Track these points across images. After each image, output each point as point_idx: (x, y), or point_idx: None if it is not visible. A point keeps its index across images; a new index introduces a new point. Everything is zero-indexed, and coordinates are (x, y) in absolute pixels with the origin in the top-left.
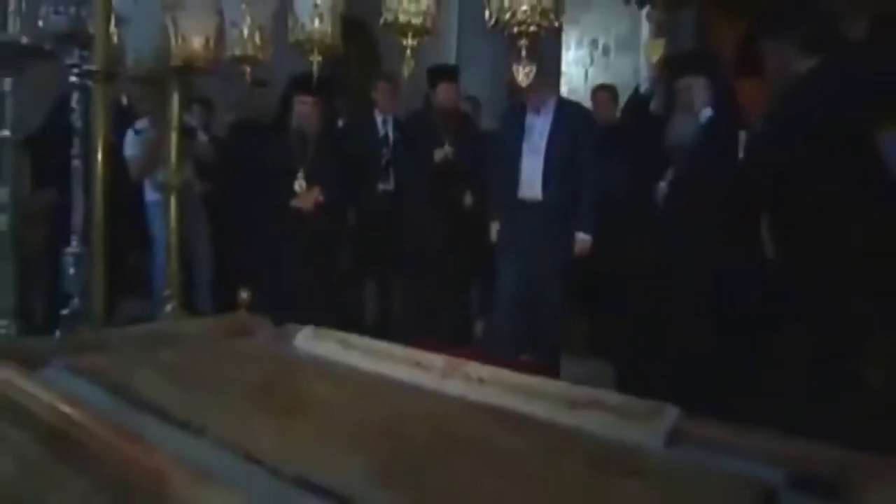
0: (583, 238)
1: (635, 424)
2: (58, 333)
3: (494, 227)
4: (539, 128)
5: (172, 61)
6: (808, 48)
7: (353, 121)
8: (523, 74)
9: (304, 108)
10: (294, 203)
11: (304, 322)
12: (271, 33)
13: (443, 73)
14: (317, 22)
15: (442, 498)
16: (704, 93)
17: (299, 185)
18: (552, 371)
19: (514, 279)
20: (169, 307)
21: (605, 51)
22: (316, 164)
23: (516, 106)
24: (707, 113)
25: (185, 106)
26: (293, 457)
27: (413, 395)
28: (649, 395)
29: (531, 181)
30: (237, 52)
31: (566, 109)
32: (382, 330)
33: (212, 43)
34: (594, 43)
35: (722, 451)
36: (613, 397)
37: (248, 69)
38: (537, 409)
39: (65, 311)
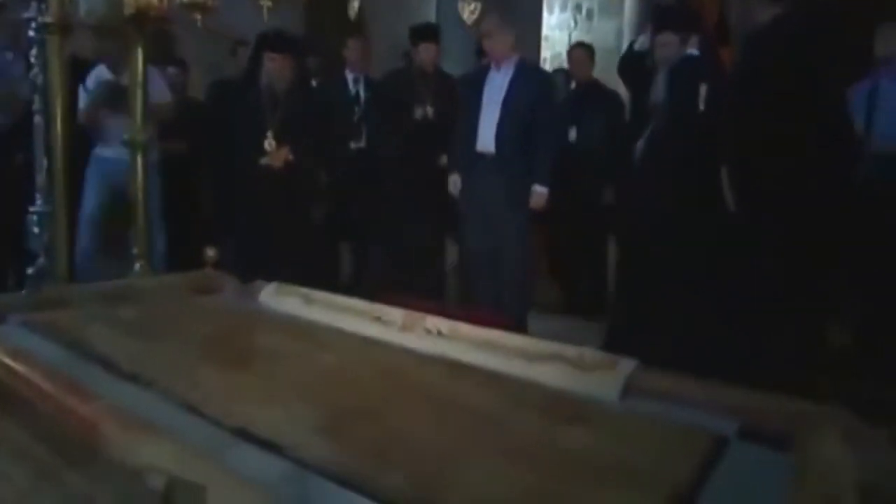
0: (539, 191)
1: (591, 376)
2: (23, 292)
3: (453, 180)
4: (498, 84)
5: (126, 10)
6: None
7: (325, 79)
8: (468, 12)
9: (274, 65)
10: (264, 161)
11: (278, 280)
12: None
13: (424, 33)
14: None
15: (380, 446)
16: (682, 49)
17: (269, 143)
18: (517, 326)
19: (476, 233)
20: (137, 266)
21: (589, 14)
22: (286, 123)
23: (481, 66)
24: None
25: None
26: (237, 408)
27: (367, 348)
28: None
29: (487, 135)
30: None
31: (526, 69)
32: (356, 289)
33: None
34: (578, 7)
35: (677, 402)
36: (571, 350)
37: (198, 17)
38: (494, 362)
39: (30, 271)
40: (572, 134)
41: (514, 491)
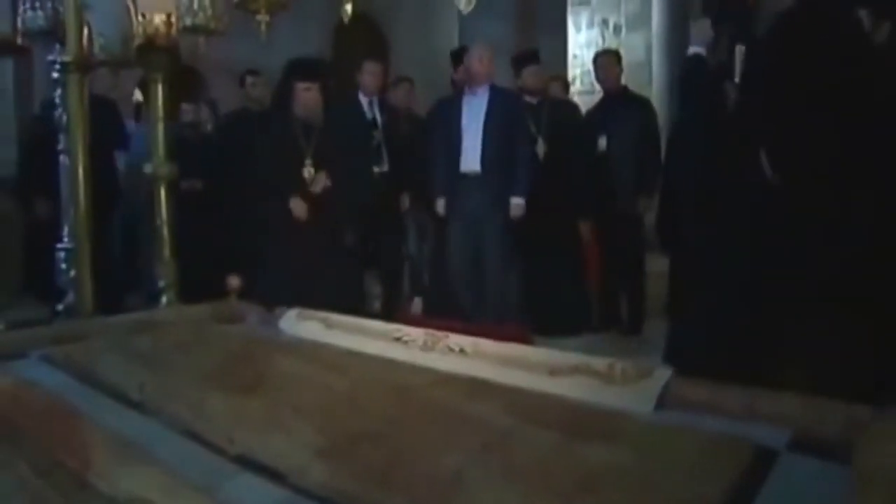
0: (517, 202)
1: (623, 388)
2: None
3: (441, 202)
4: (476, 107)
5: (136, 41)
6: None
7: (341, 105)
8: (465, 2)
9: (309, 95)
10: (310, 189)
11: (309, 306)
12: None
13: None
14: None
15: (384, 470)
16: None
17: (308, 171)
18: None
19: (461, 247)
20: (165, 298)
21: (616, 30)
22: (322, 150)
23: (454, 93)
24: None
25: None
26: (240, 435)
27: (381, 369)
28: None
29: (471, 156)
30: (188, 22)
31: (500, 92)
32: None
33: (173, 18)
34: (605, 23)
35: (720, 413)
36: (600, 362)
37: (201, 40)
38: (518, 378)
39: (59, 307)
40: (602, 143)
41: None
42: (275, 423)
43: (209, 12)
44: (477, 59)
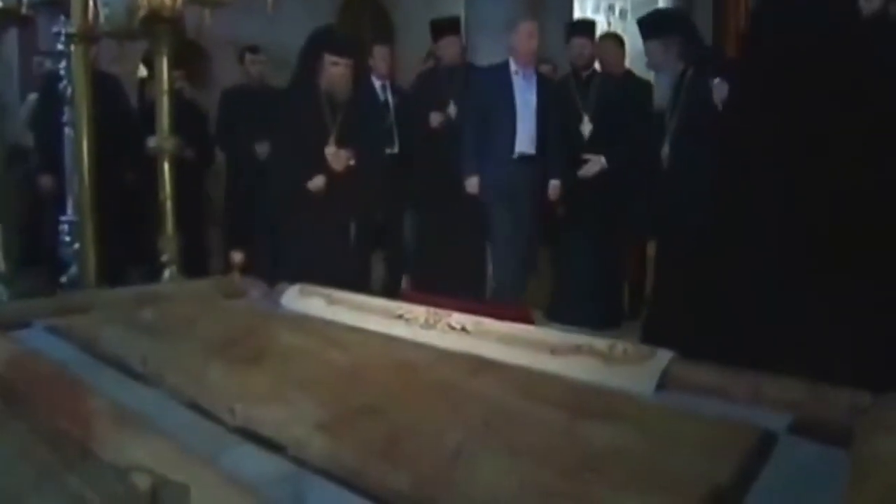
0: (555, 183)
1: (623, 368)
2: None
3: (473, 182)
4: (527, 88)
5: (141, 12)
6: None
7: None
8: None
9: (337, 70)
10: (332, 166)
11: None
12: None
13: (444, 26)
14: None
15: (385, 444)
16: (673, 51)
17: (331, 149)
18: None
19: (509, 228)
20: (167, 272)
21: (622, 15)
22: (347, 127)
23: (499, 69)
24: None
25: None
26: (242, 406)
27: (383, 345)
28: None
29: (525, 138)
30: None
31: (543, 75)
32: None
33: None
34: (611, 8)
35: (721, 396)
36: (601, 343)
37: (206, 12)
38: (519, 357)
39: (63, 279)
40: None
41: (525, 491)
42: (276, 395)
43: None
44: (526, 35)
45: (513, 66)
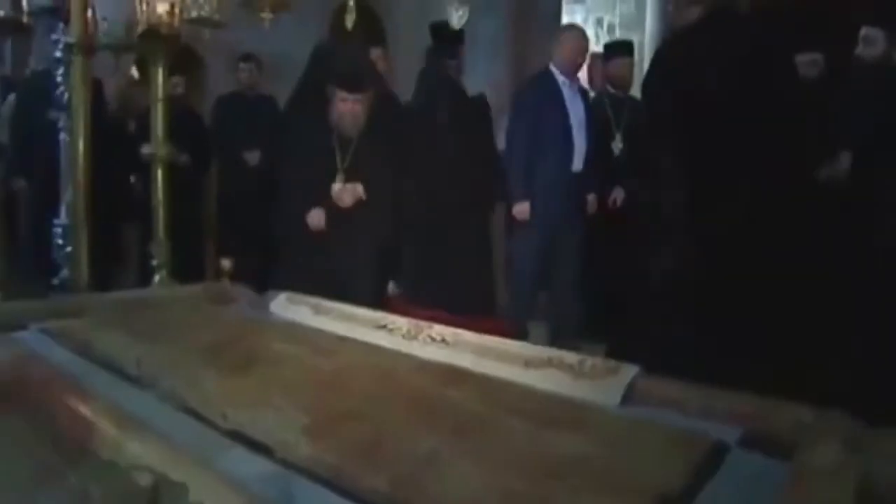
0: (592, 199)
1: (591, 382)
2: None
3: (524, 208)
4: (575, 102)
5: (140, 28)
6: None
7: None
8: (457, 17)
9: (347, 107)
10: (335, 199)
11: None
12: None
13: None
14: None
15: (366, 448)
16: None
17: (338, 185)
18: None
19: (537, 251)
20: (157, 277)
21: (611, 29)
22: (357, 163)
23: (542, 80)
24: None
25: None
26: (233, 410)
27: (366, 354)
28: None
29: (580, 155)
30: (193, 14)
31: (583, 88)
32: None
33: (177, 8)
34: (599, 22)
35: (680, 409)
36: (572, 357)
37: (207, 33)
38: (494, 368)
39: (55, 281)
40: None
41: (494, 495)
42: (265, 401)
43: (214, 5)
44: (573, 46)
45: (559, 78)
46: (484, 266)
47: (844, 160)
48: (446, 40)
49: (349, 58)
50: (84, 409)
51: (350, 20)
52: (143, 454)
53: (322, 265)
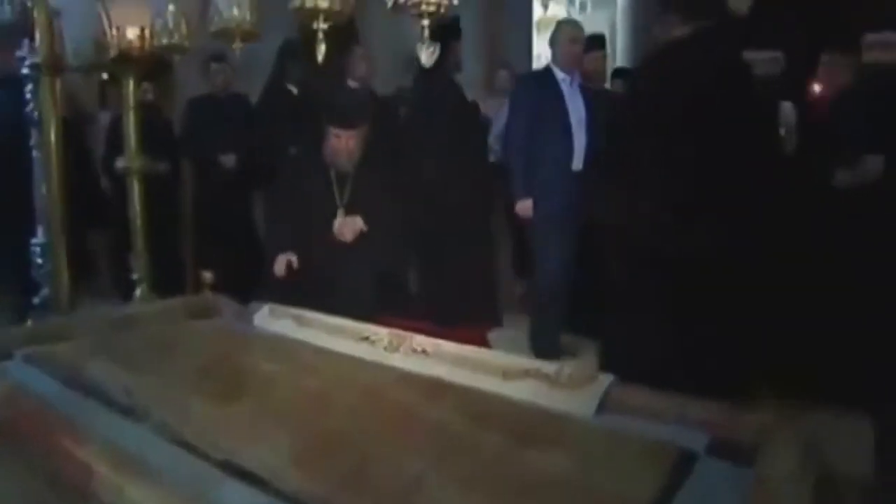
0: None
1: (567, 393)
2: (29, 323)
3: (527, 205)
4: (574, 99)
5: (111, 52)
6: (686, 18)
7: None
8: (427, 55)
9: (341, 143)
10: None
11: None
12: (197, 21)
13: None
14: (235, 10)
15: (352, 474)
16: None
17: (338, 221)
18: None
19: (558, 254)
20: (138, 290)
21: (583, 6)
22: (356, 196)
23: (541, 76)
24: None
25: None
26: (223, 440)
27: (350, 369)
28: None
29: (580, 154)
30: (164, 41)
31: (582, 85)
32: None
33: (147, 33)
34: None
35: (653, 418)
36: (549, 367)
37: (175, 58)
38: (474, 380)
39: (35, 300)
40: None
41: None
42: (255, 429)
43: (184, 32)
44: (570, 40)
45: (559, 75)
46: (487, 273)
47: (874, 164)
48: (441, 36)
49: (341, 94)
50: (81, 452)
51: (320, 53)
52: (142, 496)
53: (322, 298)
